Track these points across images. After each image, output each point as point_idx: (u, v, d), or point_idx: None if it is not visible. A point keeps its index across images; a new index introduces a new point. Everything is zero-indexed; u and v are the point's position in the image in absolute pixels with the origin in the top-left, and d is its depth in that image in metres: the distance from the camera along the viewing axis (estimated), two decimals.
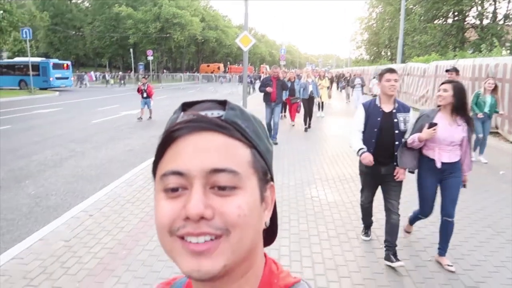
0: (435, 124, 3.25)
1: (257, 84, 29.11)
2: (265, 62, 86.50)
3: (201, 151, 0.50)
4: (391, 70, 3.44)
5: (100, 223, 4.47)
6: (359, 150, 3.54)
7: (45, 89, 29.22)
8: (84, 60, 67.05)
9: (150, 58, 41.19)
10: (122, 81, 39.66)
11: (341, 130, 11.67)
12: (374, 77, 14.89)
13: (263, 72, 20.65)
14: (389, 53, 45.93)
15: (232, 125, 0.53)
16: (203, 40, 60.85)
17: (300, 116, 12.23)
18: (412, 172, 3.59)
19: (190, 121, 0.52)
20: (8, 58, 39.74)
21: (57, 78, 30.52)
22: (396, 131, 3.47)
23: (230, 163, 0.51)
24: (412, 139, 3.37)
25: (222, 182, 0.50)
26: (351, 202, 5.28)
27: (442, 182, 3.48)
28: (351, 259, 3.67)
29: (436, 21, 29.67)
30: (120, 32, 53.75)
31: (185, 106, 0.57)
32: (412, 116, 3.54)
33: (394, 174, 3.49)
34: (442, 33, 28.04)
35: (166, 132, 0.53)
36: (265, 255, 0.61)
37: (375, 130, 3.48)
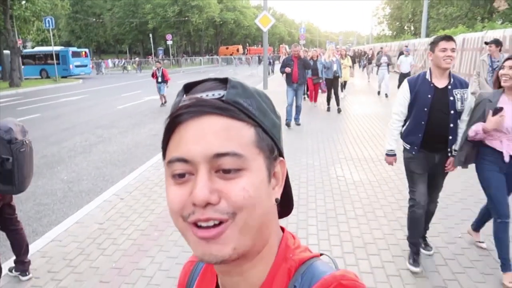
0: (501, 109, 2.71)
1: (277, 65, 28.68)
2: (284, 42, 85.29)
3: (202, 137, 0.50)
4: (447, 38, 2.87)
5: (131, 206, 4.62)
6: (389, 150, 3.22)
7: (65, 77, 29.98)
8: (105, 47, 67.89)
9: (169, 42, 41.33)
10: (139, 67, 40.10)
11: (363, 109, 11.49)
12: (402, 53, 14.20)
13: (282, 53, 20.12)
14: (412, 28, 44.52)
15: (233, 105, 0.52)
16: (221, 22, 60.44)
17: (322, 96, 12.07)
18: (466, 167, 3.08)
19: (190, 106, 0.51)
20: (32, 48, 40.70)
21: (77, 66, 31.26)
22: (452, 111, 2.90)
23: (233, 146, 0.50)
24: (474, 131, 2.81)
25: (226, 166, 0.50)
26: (377, 181, 5.24)
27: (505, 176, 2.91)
28: (379, 237, 3.68)
29: None
30: (139, 17, 53.98)
31: (187, 88, 0.56)
32: (470, 93, 2.99)
33: (446, 165, 3.03)
34: (469, 3, 26.85)
35: (169, 118, 0.53)
36: (283, 229, 0.62)
37: (425, 109, 2.92)
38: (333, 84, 10.91)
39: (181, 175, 0.51)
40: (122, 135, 9.16)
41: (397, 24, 47.73)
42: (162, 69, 13.28)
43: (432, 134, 2.95)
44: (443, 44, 2.83)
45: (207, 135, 0.50)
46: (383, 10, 50.66)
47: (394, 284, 2.94)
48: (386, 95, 13.56)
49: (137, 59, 46.53)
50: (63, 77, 29.50)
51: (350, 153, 6.72)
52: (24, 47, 33.25)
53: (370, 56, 20.54)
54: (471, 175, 4.98)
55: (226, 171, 0.50)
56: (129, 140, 8.62)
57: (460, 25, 22.36)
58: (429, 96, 2.92)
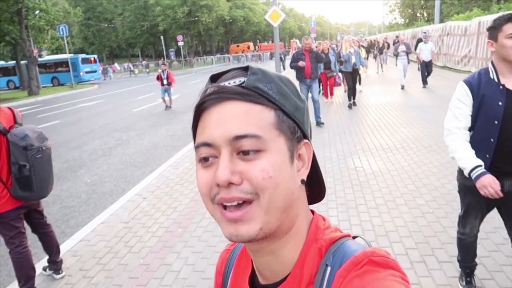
0: None
1: (287, 60, 28.29)
2: (294, 36, 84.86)
3: (223, 121, 0.53)
4: None
5: (154, 205, 4.73)
6: (474, 169, 2.16)
7: (76, 84, 30.70)
8: (117, 52, 68.82)
9: (180, 43, 41.61)
10: (147, 69, 40.44)
11: (377, 99, 11.40)
12: (420, 40, 13.36)
13: (293, 47, 19.79)
14: (425, 14, 43.74)
15: (253, 90, 0.55)
16: (231, 20, 60.49)
17: (338, 89, 11.88)
18: None
19: (212, 93, 0.55)
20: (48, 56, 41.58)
21: (87, 72, 32.03)
22: None
23: (252, 128, 0.53)
24: None
25: (245, 147, 0.53)
26: (396, 170, 5.22)
27: None
28: (401, 225, 3.68)
29: None
30: (149, 20, 54.50)
31: (213, 78, 0.60)
32: None
33: None
34: None
35: (195, 108, 0.57)
36: (313, 212, 0.64)
37: (496, 122, 2.13)
38: (353, 78, 10.16)
39: (206, 159, 0.55)
40: (140, 137, 9.32)
41: (409, 12, 46.93)
42: (167, 72, 12.81)
43: (504, 153, 2.16)
44: (509, 28, 2.05)
45: (227, 119, 0.53)
46: None
47: (418, 271, 2.95)
48: (403, 87, 12.74)
49: (144, 62, 46.83)
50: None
51: (367, 143, 6.70)
52: (40, 56, 34.01)
53: (381, 45, 19.96)
54: None
55: (246, 153, 0.53)
56: (147, 141, 8.77)
57: (475, 8, 21.86)
58: (500, 103, 2.11)
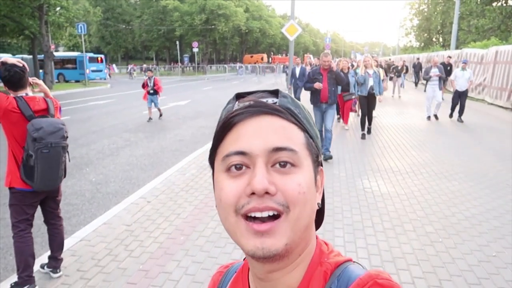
0: None
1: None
2: (308, 51, 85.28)
3: (262, 132, 0.54)
4: None
5: (157, 210, 4.67)
6: None
7: (78, 81, 31.32)
8: (132, 53, 69.58)
9: (195, 50, 41.97)
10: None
11: (389, 120, 11.30)
12: (444, 64, 12.03)
13: (306, 63, 19.03)
14: (441, 39, 43.79)
15: (286, 110, 0.56)
16: (247, 31, 60.96)
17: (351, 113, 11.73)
18: None
19: (249, 106, 0.55)
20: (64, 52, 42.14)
21: (93, 71, 32.40)
22: None
23: (289, 142, 0.54)
24: None
25: (283, 158, 0.53)
26: (405, 194, 5.12)
27: None
28: (408, 252, 3.58)
29: (495, 4, 27.75)
30: (167, 24, 55.07)
31: (239, 96, 0.60)
32: None
33: None
34: (503, 16, 26.16)
35: (225, 119, 0.56)
36: (316, 236, 0.64)
37: None
38: (369, 103, 8.85)
39: (238, 168, 0.54)
40: (149, 139, 9.32)
41: (425, 36, 47.00)
42: (154, 78, 11.74)
43: None
44: None
45: (267, 131, 0.54)
46: (411, 21, 50.03)
47: None
48: (436, 117, 11.15)
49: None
50: (77, 81, 30.68)
51: (377, 164, 6.60)
52: (57, 51, 34.47)
53: (399, 68, 19.53)
54: (508, 191, 4.81)
55: (283, 165, 0.53)
56: (155, 145, 8.75)
57: (493, 37, 21.80)
58: None
